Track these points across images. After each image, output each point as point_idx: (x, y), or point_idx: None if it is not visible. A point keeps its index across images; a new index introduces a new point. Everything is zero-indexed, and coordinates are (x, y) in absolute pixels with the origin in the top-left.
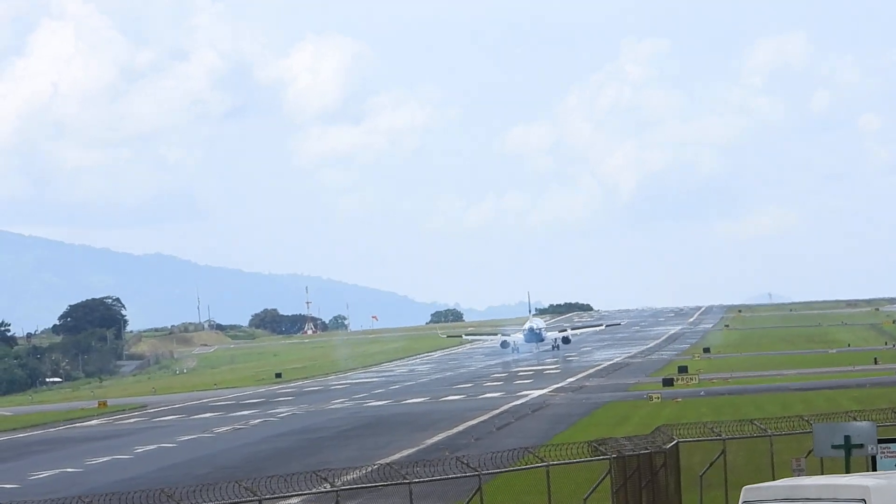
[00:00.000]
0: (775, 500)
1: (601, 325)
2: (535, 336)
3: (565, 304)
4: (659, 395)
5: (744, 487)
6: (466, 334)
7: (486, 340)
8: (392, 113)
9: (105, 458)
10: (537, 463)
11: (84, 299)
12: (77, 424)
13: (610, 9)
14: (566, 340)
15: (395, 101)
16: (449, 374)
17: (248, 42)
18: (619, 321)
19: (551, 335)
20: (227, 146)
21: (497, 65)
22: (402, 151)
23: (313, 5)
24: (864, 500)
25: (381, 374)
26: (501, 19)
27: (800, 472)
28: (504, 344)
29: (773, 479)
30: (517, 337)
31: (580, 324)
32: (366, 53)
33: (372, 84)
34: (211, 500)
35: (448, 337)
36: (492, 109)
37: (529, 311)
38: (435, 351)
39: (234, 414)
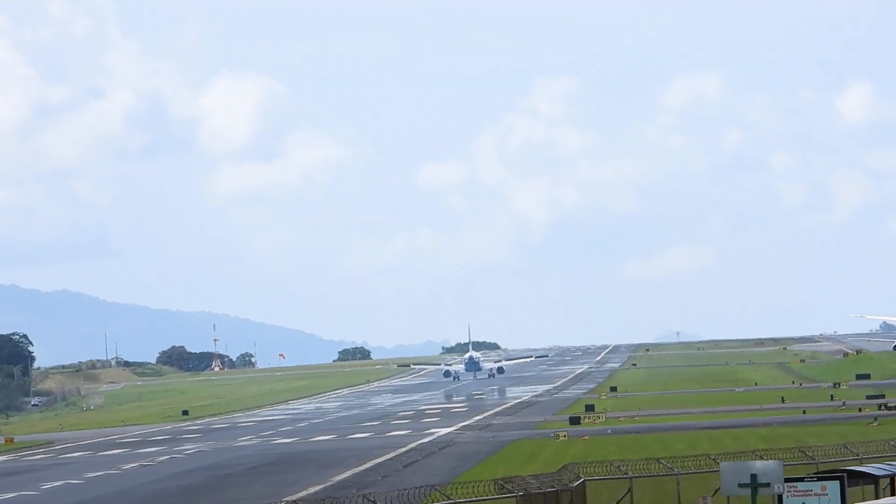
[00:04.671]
0: None
1: (531, 356)
2: (474, 366)
3: (473, 342)
4: (566, 434)
5: None
6: (415, 364)
7: (430, 368)
8: (305, 151)
9: (11, 495)
10: (443, 501)
11: None
12: None
13: (522, 48)
14: (500, 370)
15: (309, 139)
16: (356, 411)
17: (163, 79)
18: (546, 353)
19: (487, 366)
20: (139, 183)
21: (410, 103)
22: (315, 189)
23: (228, 44)
24: None
25: (287, 412)
26: (414, 58)
27: None
28: (447, 373)
29: None
30: (458, 367)
31: (514, 355)
32: (280, 91)
33: (286, 122)
34: None
35: (398, 366)
36: (405, 148)
37: (468, 344)
38: (342, 388)
39: (141, 451)
